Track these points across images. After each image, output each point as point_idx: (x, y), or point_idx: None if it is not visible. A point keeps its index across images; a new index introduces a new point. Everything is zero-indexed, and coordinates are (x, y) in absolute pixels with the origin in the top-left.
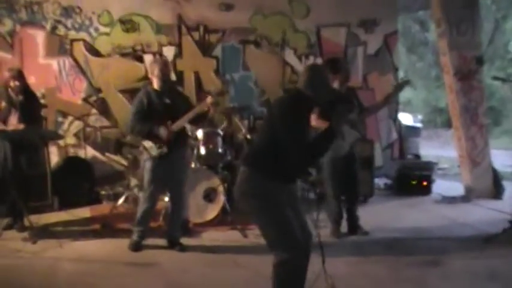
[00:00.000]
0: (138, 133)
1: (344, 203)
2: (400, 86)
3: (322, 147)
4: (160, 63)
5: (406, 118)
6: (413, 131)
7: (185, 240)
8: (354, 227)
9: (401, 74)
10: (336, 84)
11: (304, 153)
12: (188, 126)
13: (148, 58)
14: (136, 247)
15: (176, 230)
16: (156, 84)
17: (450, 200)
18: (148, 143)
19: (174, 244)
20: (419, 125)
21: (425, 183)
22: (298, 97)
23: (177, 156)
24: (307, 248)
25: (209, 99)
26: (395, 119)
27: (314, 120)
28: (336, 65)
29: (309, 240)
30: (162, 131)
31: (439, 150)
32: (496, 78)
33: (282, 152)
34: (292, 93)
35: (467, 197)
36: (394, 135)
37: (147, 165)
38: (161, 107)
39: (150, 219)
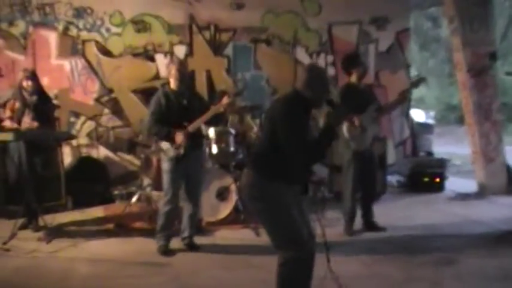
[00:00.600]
0: (155, 134)
1: (359, 199)
2: (415, 84)
3: (322, 147)
4: (177, 63)
5: (418, 115)
6: (425, 128)
7: (198, 239)
8: (371, 223)
9: (413, 71)
10: (353, 79)
11: (303, 153)
12: (202, 126)
13: (159, 58)
14: (166, 251)
15: (192, 230)
16: (173, 84)
17: (463, 197)
18: (165, 145)
19: (188, 245)
20: (431, 121)
21: (438, 180)
22: (296, 98)
23: (194, 157)
24: (312, 248)
25: (225, 100)
26: (407, 116)
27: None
28: (354, 60)
29: (313, 240)
30: (179, 136)
31: (452, 147)
32: (509, 73)
33: (282, 152)
34: (291, 94)
35: (481, 194)
36: (407, 133)
37: (165, 167)
38: (178, 108)
39: (174, 221)
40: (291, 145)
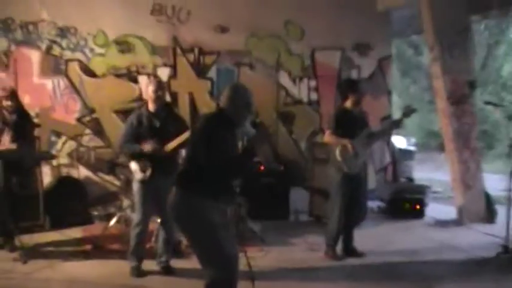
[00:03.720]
0: (125, 154)
1: (343, 224)
2: (406, 114)
3: (241, 164)
4: (154, 84)
5: (399, 141)
6: (407, 154)
7: (177, 262)
8: (350, 248)
9: (395, 98)
10: (348, 104)
11: (223, 170)
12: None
13: (143, 79)
14: (138, 272)
15: (168, 255)
16: (150, 105)
17: (443, 224)
18: (134, 166)
19: (164, 268)
20: (413, 148)
21: (418, 206)
22: (219, 116)
23: (165, 182)
24: (236, 268)
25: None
26: (389, 142)
27: (327, 136)
28: (351, 86)
29: (237, 260)
30: (147, 146)
31: (433, 173)
32: (488, 103)
33: (203, 168)
34: (214, 112)
35: (460, 220)
36: (388, 158)
37: (135, 188)
38: (149, 130)
39: (145, 242)
40: (209, 162)
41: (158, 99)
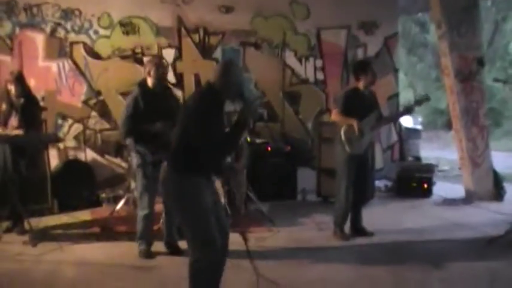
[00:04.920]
0: (126, 130)
1: (351, 203)
2: (419, 102)
3: (233, 139)
4: (155, 62)
5: (406, 120)
6: (413, 133)
7: (184, 244)
8: (359, 228)
9: (401, 76)
10: (361, 85)
11: (215, 145)
12: None
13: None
14: (148, 254)
15: (172, 234)
16: (150, 83)
17: (451, 202)
18: (140, 149)
19: (172, 249)
20: (419, 127)
21: (425, 185)
22: (209, 91)
23: None
24: (224, 248)
25: None
26: (394, 124)
27: (334, 115)
28: (364, 68)
29: (226, 240)
30: (158, 125)
31: (440, 152)
32: (497, 80)
33: (195, 146)
34: (204, 88)
35: (468, 199)
36: (394, 137)
37: (138, 171)
38: (155, 108)
39: (152, 225)
40: (202, 138)
41: (159, 76)
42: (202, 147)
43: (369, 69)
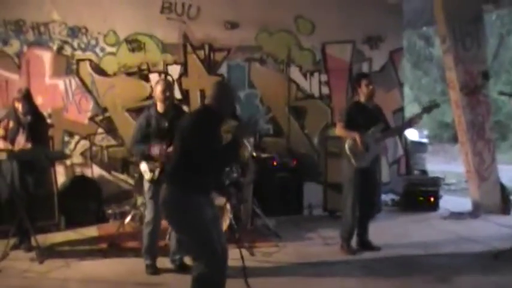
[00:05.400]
0: (135, 155)
1: (357, 218)
2: (427, 109)
3: (227, 156)
4: (162, 84)
5: (412, 133)
6: (419, 146)
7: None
8: (365, 242)
9: (406, 90)
10: (361, 98)
11: (212, 163)
12: None
13: (154, 77)
14: (153, 270)
15: (181, 253)
16: (159, 106)
17: (458, 216)
18: (143, 166)
19: (178, 265)
20: (425, 140)
21: (432, 199)
22: (205, 112)
23: None
24: (225, 263)
25: None
26: (401, 135)
27: (338, 129)
28: (358, 79)
29: (225, 255)
30: (155, 150)
31: (446, 165)
32: (502, 93)
33: (194, 164)
34: (199, 108)
35: (475, 212)
36: (401, 151)
37: (145, 187)
38: (158, 130)
39: (158, 240)
40: (199, 156)
41: (166, 99)
42: (199, 165)
43: (362, 81)
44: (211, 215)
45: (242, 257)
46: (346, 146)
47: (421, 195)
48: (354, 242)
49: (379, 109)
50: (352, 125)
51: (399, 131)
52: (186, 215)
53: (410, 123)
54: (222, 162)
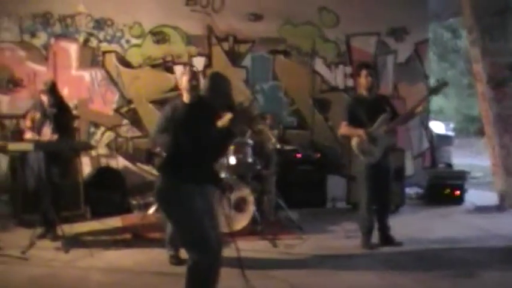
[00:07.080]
0: (158, 144)
1: (375, 212)
2: (435, 90)
3: (220, 147)
4: (188, 74)
5: (437, 127)
6: (445, 139)
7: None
8: (386, 237)
9: (432, 82)
10: (362, 91)
11: (203, 153)
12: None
13: (178, 69)
14: (177, 261)
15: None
16: (184, 96)
17: (483, 210)
18: None
19: None
20: (451, 133)
21: (457, 192)
22: (199, 103)
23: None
24: (218, 252)
25: (227, 116)
26: (426, 128)
27: (342, 128)
28: (358, 70)
29: (220, 245)
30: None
31: (472, 159)
32: None
33: (185, 154)
34: (195, 100)
35: (501, 206)
36: (426, 144)
37: None
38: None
39: None
40: (189, 145)
41: (193, 89)
42: (190, 155)
43: (362, 72)
44: (203, 205)
45: (238, 249)
46: (354, 144)
47: (446, 189)
48: (375, 237)
49: (382, 99)
50: (355, 120)
51: (408, 117)
52: (176, 204)
53: (417, 106)
54: (213, 152)
